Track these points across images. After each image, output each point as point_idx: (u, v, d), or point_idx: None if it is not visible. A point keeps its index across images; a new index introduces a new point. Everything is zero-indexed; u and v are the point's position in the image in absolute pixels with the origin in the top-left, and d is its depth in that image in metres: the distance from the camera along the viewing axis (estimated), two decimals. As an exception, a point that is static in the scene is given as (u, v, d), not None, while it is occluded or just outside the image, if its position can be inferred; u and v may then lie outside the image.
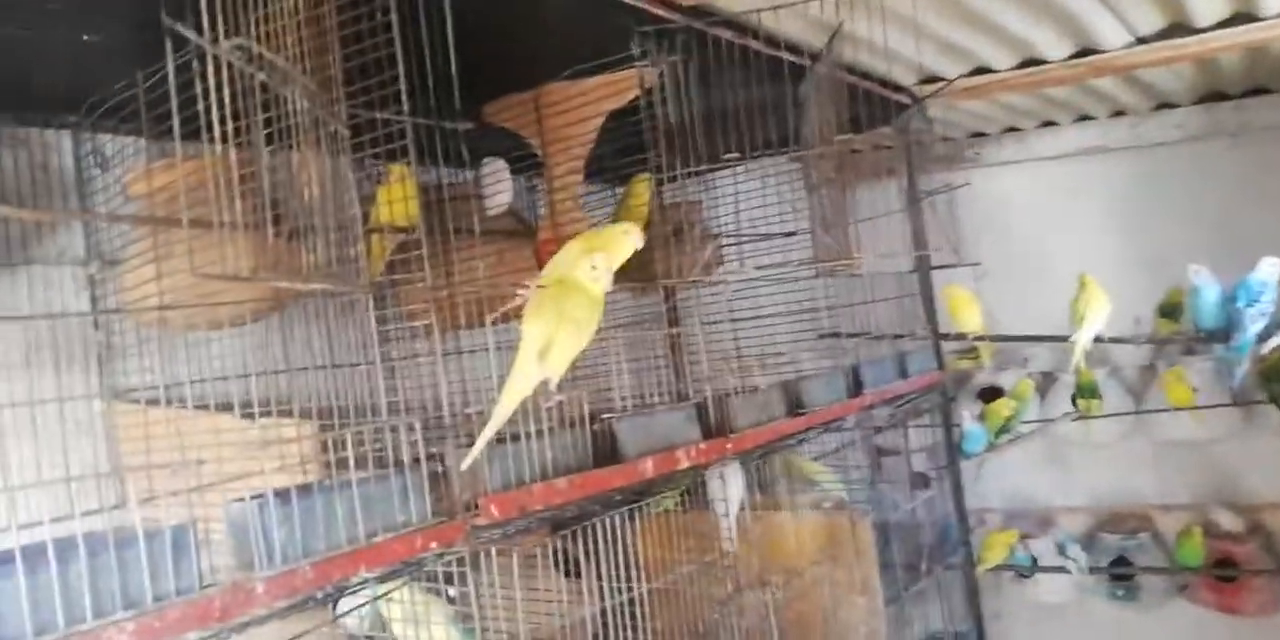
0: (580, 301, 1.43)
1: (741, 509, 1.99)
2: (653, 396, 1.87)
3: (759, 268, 2.32)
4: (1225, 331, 2.32)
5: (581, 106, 2.02)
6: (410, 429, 1.26)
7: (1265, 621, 3.31)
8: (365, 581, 1.29)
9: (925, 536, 2.71)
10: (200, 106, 0.98)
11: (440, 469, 1.30)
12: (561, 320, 1.40)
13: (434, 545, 1.24)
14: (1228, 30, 2.33)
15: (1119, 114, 3.42)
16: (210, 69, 0.93)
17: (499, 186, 2.03)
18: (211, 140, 0.98)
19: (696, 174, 2.02)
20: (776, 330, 2.47)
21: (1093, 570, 3.30)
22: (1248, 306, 2.23)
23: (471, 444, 1.30)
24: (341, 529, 1.14)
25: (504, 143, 2.11)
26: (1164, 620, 3.47)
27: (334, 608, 1.50)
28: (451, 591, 1.36)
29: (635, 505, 1.67)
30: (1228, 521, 3.32)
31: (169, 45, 0.98)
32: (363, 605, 1.50)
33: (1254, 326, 2.24)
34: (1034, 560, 3.38)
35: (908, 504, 2.64)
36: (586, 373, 1.79)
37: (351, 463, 1.20)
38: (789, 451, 2.15)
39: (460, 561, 1.30)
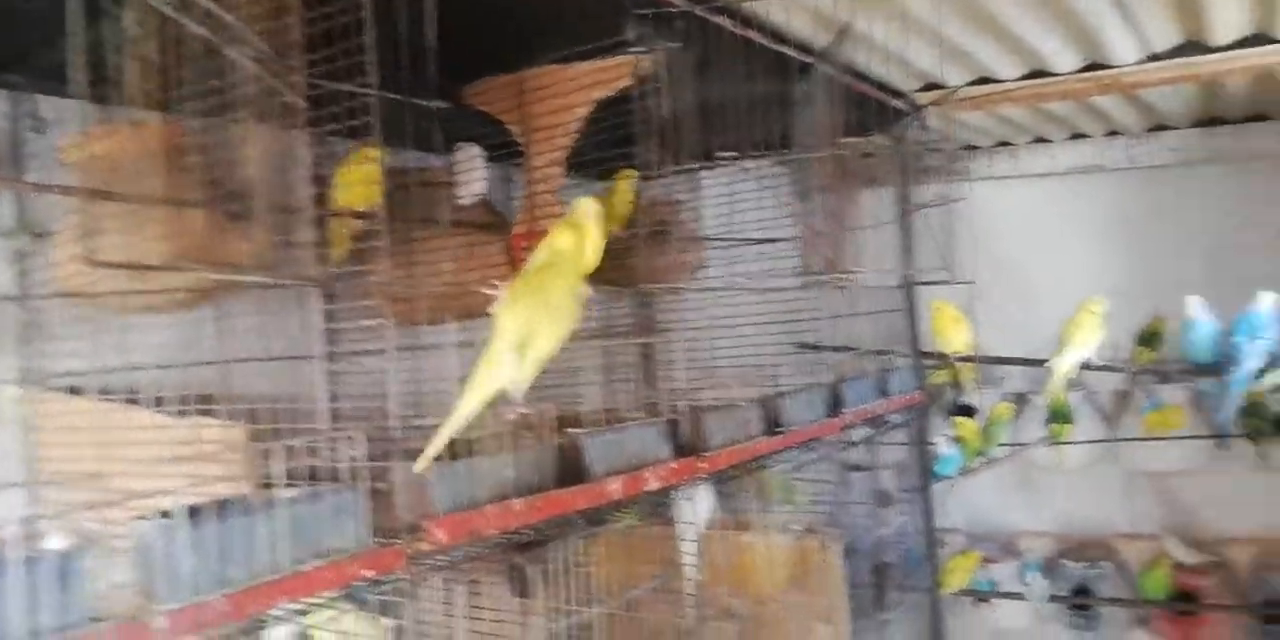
0: (564, 290, 1.29)
1: (709, 528, 1.88)
2: (622, 410, 1.75)
3: (741, 275, 2.21)
4: (1217, 365, 2.25)
5: (569, 93, 1.88)
6: (352, 440, 1.12)
7: (1221, 656, 3.28)
8: (288, 613, 1.15)
9: (890, 558, 2.62)
10: (125, 62, 0.83)
11: (383, 487, 1.16)
12: (544, 308, 1.26)
13: (370, 573, 1.10)
14: (1242, 51, 2.25)
15: (1113, 133, 3.35)
16: (133, 17, 0.78)
17: (473, 174, 1.89)
18: (135, 101, 0.83)
19: (687, 172, 1.89)
20: (756, 342, 2.35)
21: (1051, 598, 3.24)
22: (1249, 342, 2.16)
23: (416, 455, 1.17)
24: (264, 555, 1.00)
25: (482, 128, 1.97)
26: (1122, 651, 3.43)
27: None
28: (389, 622, 1.23)
29: (595, 527, 1.54)
30: (1192, 555, 3.28)
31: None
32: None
33: (1252, 362, 2.17)
34: (994, 585, 3.32)
35: (877, 527, 2.55)
36: (553, 382, 1.66)
37: (283, 478, 1.07)
38: (763, 470, 2.03)
39: (399, 592, 1.17)
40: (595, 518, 1.63)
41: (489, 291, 1.33)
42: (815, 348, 2.33)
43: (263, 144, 1.01)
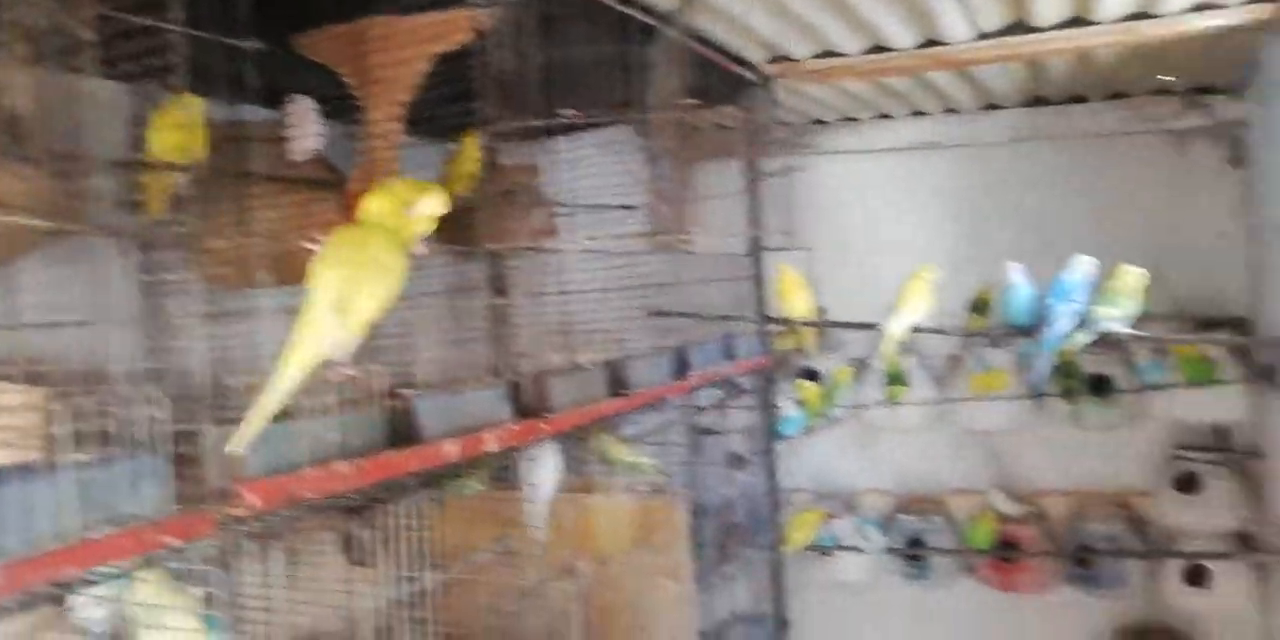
0: (387, 246, 1.24)
1: (556, 490, 1.88)
2: (467, 373, 1.72)
3: (591, 239, 2.20)
4: (1034, 327, 2.41)
5: (407, 46, 1.81)
6: (154, 401, 1.05)
7: (1038, 599, 3.57)
8: (98, 579, 1.08)
9: (737, 517, 2.70)
10: None
11: (190, 450, 1.10)
12: (364, 266, 1.21)
13: (174, 540, 1.04)
14: (1063, 32, 2.40)
15: (950, 111, 3.52)
16: None
17: (306, 128, 1.80)
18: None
19: (530, 134, 1.86)
20: (604, 306, 2.36)
21: (887, 551, 3.43)
22: (1061, 304, 2.32)
23: (233, 421, 1.11)
24: (45, 522, 0.93)
25: (318, 80, 1.87)
26: (951, 598, 3.68)
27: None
28: (198, 593, 1.17)
29: (433, 490, 1.51)
30: (1014, 507, 3.54)
31: None
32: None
33: (1063, 323, 2.33)
34: (836, 540, 3.49)
35: (724, 486, 2.62)
36: (389, 343, 1.61)
37: (73, 440, 0.99)
38: (605, 434, 2.05)
39: (211, 560, 1.11)
40: (435, 482, 1.60)
41: (310, 245, 1.28)
42: (664, 314, 2.36)
43: (37, 79, 0.92)
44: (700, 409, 2.87)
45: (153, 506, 1.03)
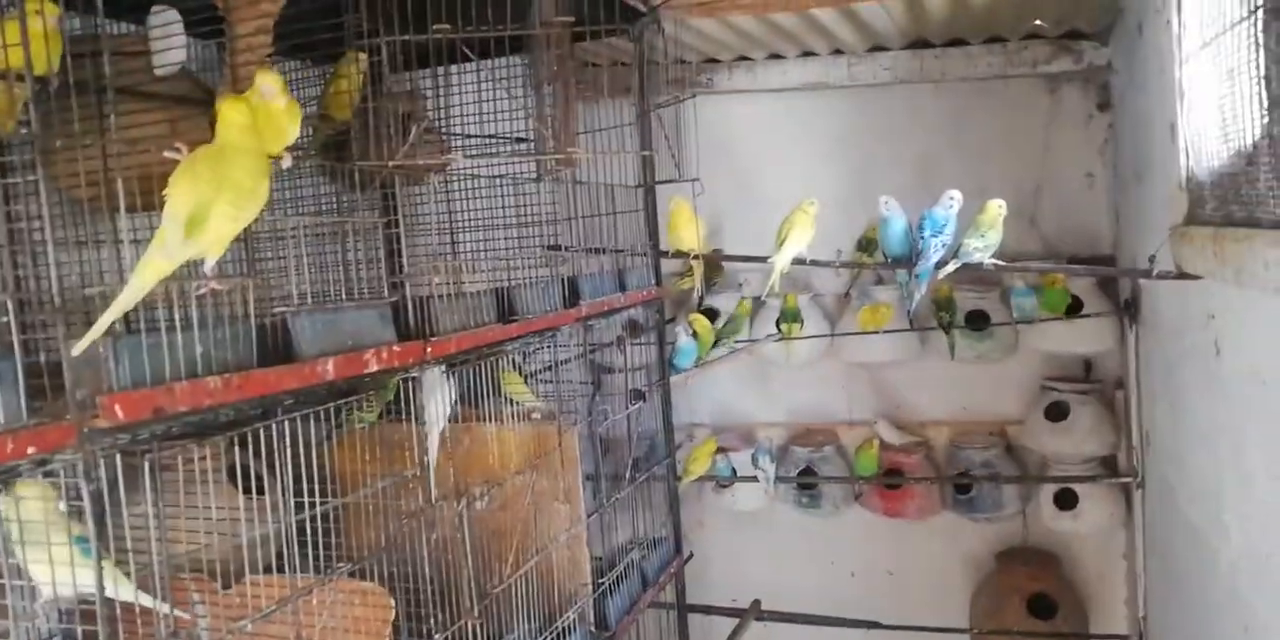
0: (244, 163, 1.22)
1: (449, 421, 1.89)
2: (350, 296, 1.69)
3: (480, 167, 2.19)
4: (910, 259, 2.50)
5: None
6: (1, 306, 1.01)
7: (921, 524, 3.77)
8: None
9: (634, 448, 2.76)
10: None
11: (48, 360, 1.07)
12: (220, 186, 1.19)
13: (31, 450, 1.02)
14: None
15: (838, 53, 3.58)
16: None
17: (170, 42, 1.71)
18: None
19: (417, 62, 1.82)
20: (496, 236, 2.35)
21: (779, 479, 3.56)
22: (932, 236, 2.42)
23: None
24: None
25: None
26: (840, 525, 3.86)
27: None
28: (62, 506, 1.15)
29: (313, 412, 1.50)
30: (898, 436, 3.71)
31: None
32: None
33: (935, 256, 2.44)
34: (734, 471, 3.60)
35: (625, 421, 2.67)
36: (267, 261, 1.58)
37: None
38: (499, 366, 2.05)
39: (74, 470, 1.09)
40: (319, 407, 1.58)
41: (171, 154, 1.24)
42: (555, 247, 2.36)
43: None
44: (595, 348, 2.91)
45: (7, 415, 1.00)
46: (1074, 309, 3.33)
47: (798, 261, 2.65)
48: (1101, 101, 3.51)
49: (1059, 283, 3.21)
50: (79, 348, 1.05)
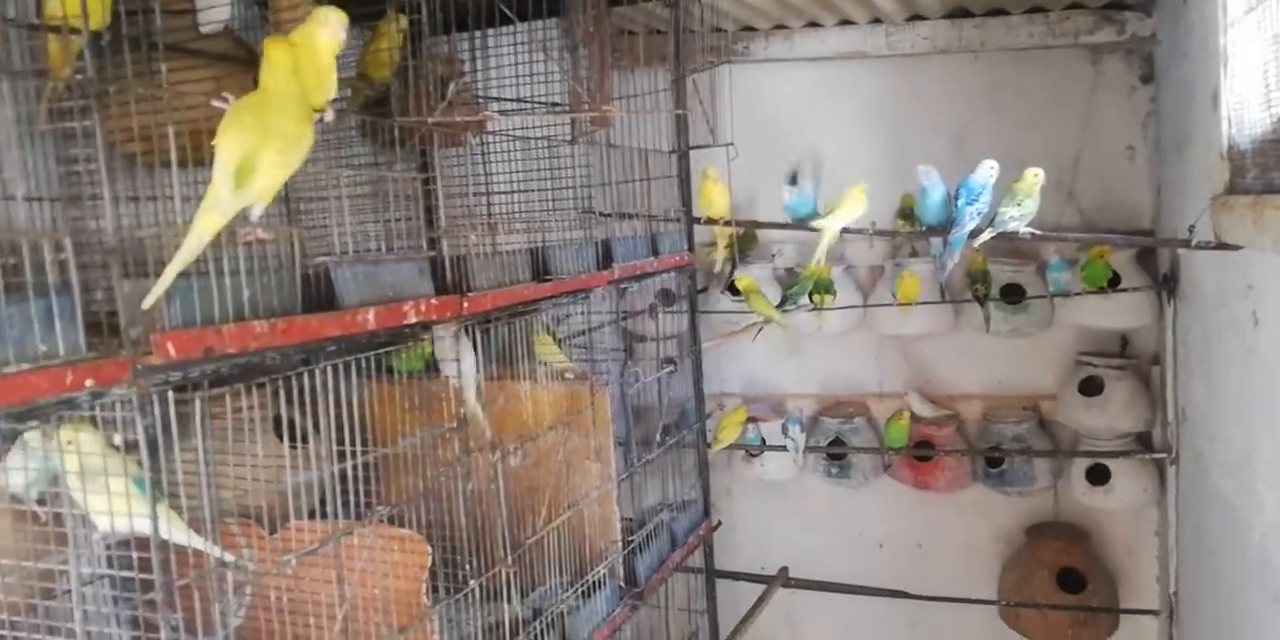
0: (289, 111, 1.25)
1: (484, 378, 1.92)
2: (390, 249, 1.73)
3: (515, 129, 2.21)
4: (947, 228, 2.50)
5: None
6: (58, 247, 1.06)
7: (950, 497, 3.78)
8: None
9: (666, 415, 2.80)
10: None
11: (104, 300, 1.12)
12: (266, 133, 1.22)
13: (89, 382, 1.07)
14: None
15: (876, 21, 3.54)
16: None
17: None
18: None
19: (456, 26, 1.84)
20: (530, 199, 2.38)
21: (809, 449, 3.58)
22: (968, 204, 2.40)
23: (144, 273, 1.13)
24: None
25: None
26: (870, 495, 3.87)
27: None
28: (117, 439, 1.20)
29: (355, 359, 1.54)
30: (930, 409, 3.71)
31: None
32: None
33: (970, 224, 2.42)
34: (763, 440, 3.63)
35: (653, 385, 2.71)
36: (312, 213, 1.62)
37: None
38: (532, 328, 2.09)
39: (128, 405, 1.14)
40: (354, 351, 1.61)
41: (219, 103, 1.28)
42: (590, 211, 2.39)
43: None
44: (629, 315, 2.93)
45: (65, 346, 1.05)
46: (1113, 283, 3.29)
47: (845, 231, 2.65)
48: (1145, 74, 3.45)
49: (1105, 254, 3.17)
50: (149, 300, 1.10)
